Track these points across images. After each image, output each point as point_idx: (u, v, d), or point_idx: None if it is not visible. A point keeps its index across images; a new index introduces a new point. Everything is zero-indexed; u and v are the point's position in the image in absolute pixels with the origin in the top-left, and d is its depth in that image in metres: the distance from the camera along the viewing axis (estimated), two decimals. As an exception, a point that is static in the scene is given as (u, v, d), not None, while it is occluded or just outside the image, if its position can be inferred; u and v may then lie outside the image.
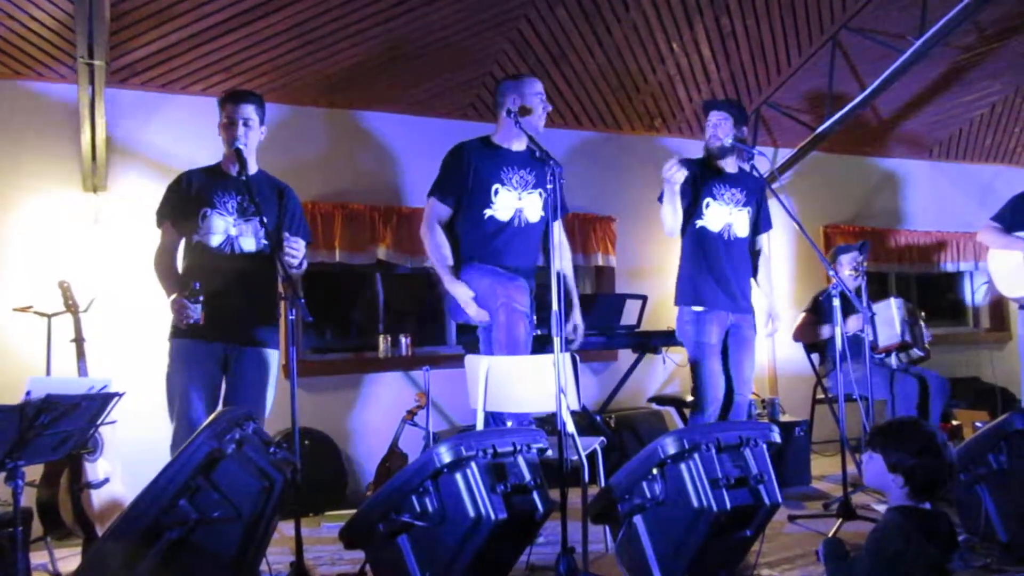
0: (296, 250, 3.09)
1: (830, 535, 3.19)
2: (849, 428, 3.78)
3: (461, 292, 3.42)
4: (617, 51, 4.69)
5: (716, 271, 3.83)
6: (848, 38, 4.84)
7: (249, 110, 3.20)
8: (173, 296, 3.05)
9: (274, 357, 3.28)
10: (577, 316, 3.72)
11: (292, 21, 3.95)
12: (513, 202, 3.53)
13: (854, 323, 4.42)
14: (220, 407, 3.16)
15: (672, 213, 3.76)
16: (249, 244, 3.21)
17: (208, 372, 3.12)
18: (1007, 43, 5.20)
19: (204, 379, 3.11)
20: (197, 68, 4.17)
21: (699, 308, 3.82)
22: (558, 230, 3.73)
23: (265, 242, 3.21)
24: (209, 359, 3.12)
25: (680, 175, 3.60)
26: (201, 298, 2.97)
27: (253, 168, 3.26)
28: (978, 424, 4.70)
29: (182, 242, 3.26)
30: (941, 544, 2.12)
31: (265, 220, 3.09)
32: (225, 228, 3.18)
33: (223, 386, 3.19)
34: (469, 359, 3.25)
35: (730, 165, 3.93)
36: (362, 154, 4.82)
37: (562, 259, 3.73)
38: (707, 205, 3.83)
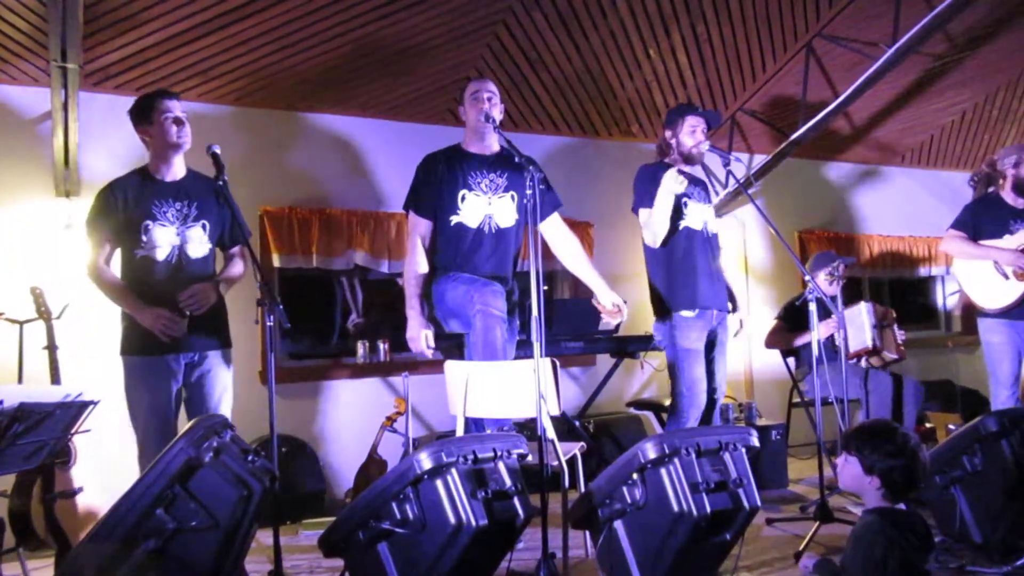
0: (195, 305, 3.06)
1: (803, 546, 3.21)
2: (825, 431, 3.81)
3: (412, 324, 3.41)
4: (594, 57, 4.71)
5: (705, 269, 3.77)
6: (822, 46, 4.90)
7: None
8: (156, 309, 2.99)
9: (231, 357, 3.27)
10: (611, 295, 3.62)
11: (269, 25, 3.92)
12: (482, 207, 3.50)
13: (825, 329, 4.45)
14: (184, 416, 3.15)
15: (666, 220, 3.68)
16: (196, 250, 3.18)
17: (169, 384, 3.08)
18: (976, 52, 5.30)
19: (167, 392, 3.07)
20: (172, 72, 4.13)
21: (689, 313, 3.70)
22: (559, 226, 3.72)
23: (211, 245, 3.22)
24: (169, 370, 3.08)
25: (683, 186, 3.65)
26: (188, 312, 2.96)
27: (183, 170, 3.22)
28: (952, 427, 4.77)
29: (117, 252, 3.18)
30: (919, 544, 2.14)
31: (208, 224, 3.15)
32: (169, 239, 3.12)
33: (183, 393, 3.16)
34: (449, 365, 3.24)
35: (692, 168, 3.94)
36: (340, 159, 4.80)
37: (570, 251, 3.74)
38: (685, 204, 3.77)
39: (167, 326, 2.97)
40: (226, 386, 3.22)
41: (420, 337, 3.39)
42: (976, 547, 3.04)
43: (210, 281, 3.21)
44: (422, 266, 3.50)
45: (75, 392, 2.44)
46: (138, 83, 4.14)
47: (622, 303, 3.52)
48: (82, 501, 3.16)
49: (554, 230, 3.74)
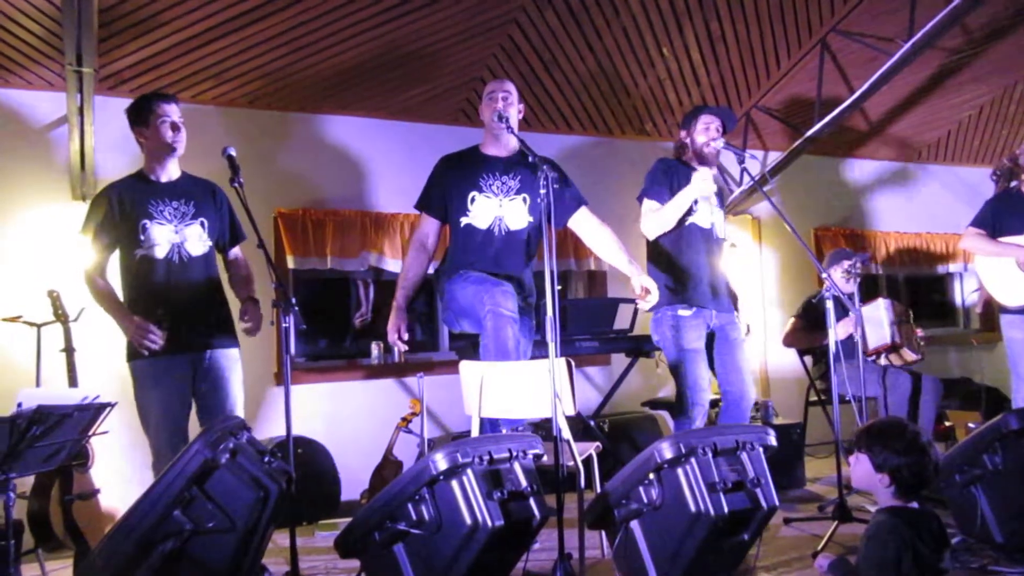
0: (256, 328, 3.18)
1: (821, 546, 3.19)
2: (843, 430, 3.77)
3: (392, 319, 3.49)
4: (607, 56, 4.70)
5: (704, 269, 3.74)
6: (837, 41, 4.86)
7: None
8: (137, 320, 2.98)
9: (237, 355, 3.26)
10: (640, 278, 3.46)
11: (282, 27, 3.94)
12: (492, 209, 3.49)
13: (844, 329, 4.40)
14: (196, 418, 3.15)
15: (673, 220, 3.67)
16: (196, 248, 3.19)
17: (178, 386, 3.08)
18: (994, 45, 5.24)
19: (176, 394, 3.07)
20: (186, 75, 4.15)
21: (686, 312, 3.68)
22: (588, 220, 3.67)
23: (210, 243, 3.23)
24: (177, 372, 3.08)
25: (711, 191, 3.63)
26: (165, 324, 2.97)
27: (178, 172, 3.24)
28: (971, 425, 4.71)
29: (115, 255, 3.19)
30: (933, 543, 2.13)
31: (206, 222, 3.20)
32: (168, 237, 3.13)
33: (195, 398, 3.16)
34: (464, 365, 3.23)
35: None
36: (353, 160, 4.81)
37: (602, 241, 3.66)
38: (696, 201, 3.75)
39: (147, 338, 2.96)
40: (237, 386, 3.22)
41: (391, 328, 3.47)
42: (998, 547, 3.00)
43: (215, 277, 3.26)
44: (416, 262, 3.56)
45: (92, 394, 2.46)
46: (152, 86, 4.16)
47: (651, 284, 3.43)
48: (100, 502, 3.18)
49: (584, 225, 3.69)
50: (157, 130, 3.12)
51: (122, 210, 3.11)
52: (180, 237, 3.15)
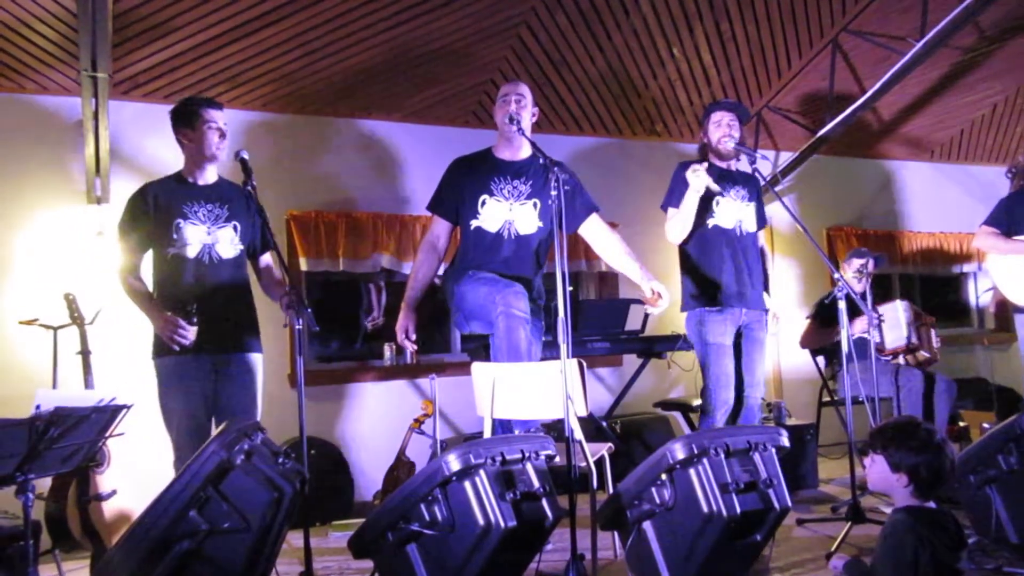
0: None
1: (834, 547, 3.18)
2: (856, 430, 3.76)
3: (400, 319, 3.55)
4: (618, 57, 4.70)
5: (730, 268, 3.79)
6: (848, 41, 4.85)
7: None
8: (167, 316, 3.01)
9: (259, 360, 3.28)
10: (651, 283, 3.42)
11: (295, 31, 3.96)
12: (503, 213, 3.49)
13: (860, 325, 4.40)
14: (215, 418, 3.17)
15: (688, 220, 3.73)
16: (226, 251, 3.22)
17: (201, 385, 3.10)
18: (1007, 44, 5.21)
19: (199, 393, 3.10)
20: (201, 79, 4.18)
21: (713, 308, 3.76)
22: (599, 227, 3.67)
23: (242, 247, 3.26)
24: (200, 372, 3.10)
25: (705, 181, 3.64)
26: (195, 319, 2.98)
27: (215, 176, 3.28)
28: (986, 425, 4.68)
29: (148, 254, 3.22)
30: (950, 542, 2.12)
31: (239, 225, 3.22)
32: (200, 238, 3.16)
33: (215, 397, 3.17)
34: (476, 367, 3.23)
35: (730, 163, 3.95)
36: (365, 162, 4.83)
37: (611, 248, 3.64)
38: (717, 203, 3.80)
39: (177, 333, 2.98)
40: (256, 389, 3.24)
41: (400, 328, 3.53)
42: (1013, 548, 2.99)
43: (244, 280, 3.28)
44: (426, 263, 3.59)
45: (109, 396, 2.48)
46: (166, 91, 4.19)
47: (663, 289, 3.42)
48: (116, 504, 3.21)
49: (593, 233, 3.69)
50: (203, 135, 3.16)
51: (157, 209, 3.16)
52: (212, 239, 3.18)
